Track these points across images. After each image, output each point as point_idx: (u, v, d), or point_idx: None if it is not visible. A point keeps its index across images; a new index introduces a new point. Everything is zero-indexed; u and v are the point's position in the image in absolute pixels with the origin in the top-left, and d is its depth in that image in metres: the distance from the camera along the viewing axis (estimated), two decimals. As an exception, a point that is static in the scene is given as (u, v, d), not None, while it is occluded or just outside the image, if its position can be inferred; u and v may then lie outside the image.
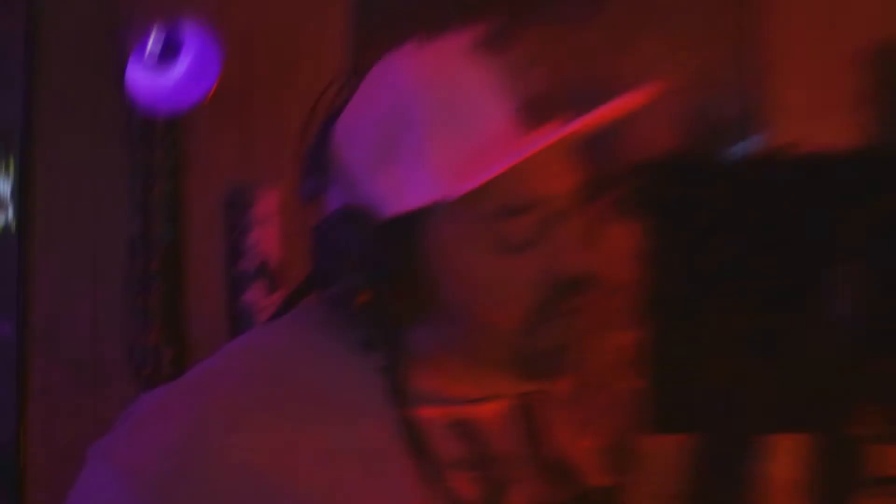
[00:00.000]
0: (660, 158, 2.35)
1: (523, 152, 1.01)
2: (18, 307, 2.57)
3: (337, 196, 1.10)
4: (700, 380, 1.49)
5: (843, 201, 1.50)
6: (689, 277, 1.64)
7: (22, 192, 2.57)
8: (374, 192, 1.07)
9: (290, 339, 1.16)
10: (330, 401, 1.10)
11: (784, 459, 1.46)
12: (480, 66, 1.05)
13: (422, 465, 1.07)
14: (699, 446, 1.46)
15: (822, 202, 1.54)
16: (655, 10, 2.63)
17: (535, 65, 1.08)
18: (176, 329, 2.59)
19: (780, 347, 1.47)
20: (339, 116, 1.11)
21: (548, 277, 1.05)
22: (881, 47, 2.66)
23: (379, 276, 1.05)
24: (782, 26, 2.67)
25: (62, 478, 2.30)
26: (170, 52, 2.38)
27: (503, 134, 1.04)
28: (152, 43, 2.35)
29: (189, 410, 1.05)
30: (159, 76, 2.39)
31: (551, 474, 1.18)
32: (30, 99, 2.58)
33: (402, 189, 1.06)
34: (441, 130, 1.05)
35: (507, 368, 1.11)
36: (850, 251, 1.42)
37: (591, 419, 1.32)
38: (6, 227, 2.57)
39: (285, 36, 2.67)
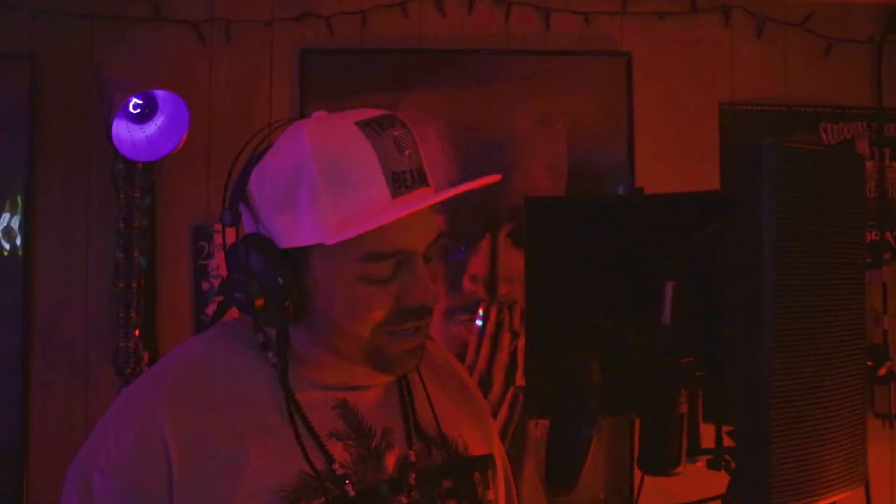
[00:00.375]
0: (544, 198, 2.60)
1: (388, 217, 1.16)
2: (23, 318, 2.80)
3: (249, 224, 1.26)
4: (558, 375, 1.57)
5: (673, 233, 1.58)
6: (559, 295, 1.76)
7: (27, 224, 2.81)
8: (274, 228, 1.23)
9: (211, 346, 1.36)
10: (237, 391, 1.29)
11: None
12: (365, 144, 1.19)
13: (304, 436, 1.25)
14: (553, 426, 1.60)
15: (661, 234, 1.65)
16: (550, 73, 2.96)
17: (405, 147, 1.23)
18: (152, 336, 2.86)
19: (623, 347, 1.59)
20: (257, 164, 1.25)
21: (395, 304, 1.24)
22: (724, 106, 3.08)
23: (271, 288, 1.22)
24: (646, 91, 3.04)
25: (57, 453, 2.61)
26: (147, 113, 2.65)
27: (375, 199, 1.19)
28: (133, 105, 2.61)
29: (139, 404, 1.28)
30: (138, 132, 2.64)
31: (422, 444, 1.36)
32: (33, 149, 2.80)
33: (295, 230, 1.21)
34: (328, 190, 1.18)
35: (365, 364, 1.28)
36: (673, 273, 1.49)
37: (461, 400, 1.51)
38: (14, 252, 2.80)
39: (240, 100, 2.94)
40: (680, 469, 1.52)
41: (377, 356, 1.26)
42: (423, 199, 1.19)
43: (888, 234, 3.10)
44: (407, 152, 1.21)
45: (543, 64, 2.97)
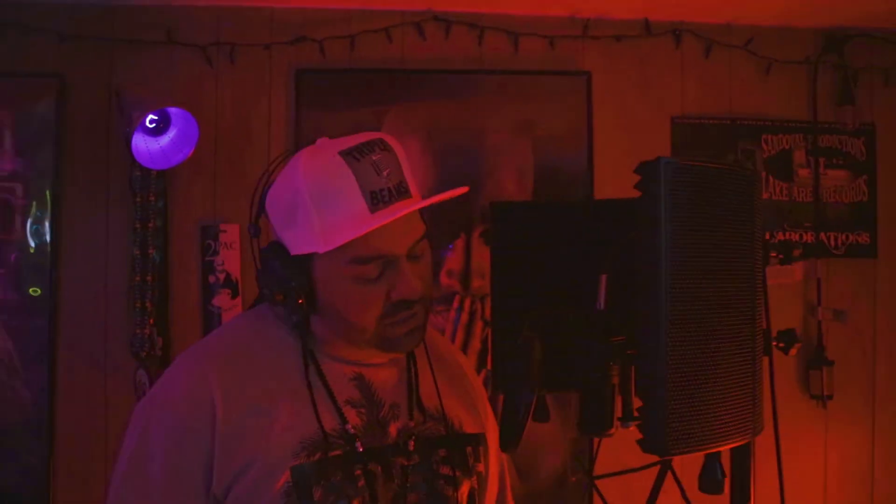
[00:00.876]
0: (507, 202, 2.60)
1: (365, 228, 1.30)
2: (50, 307, 2.93)
3: (270, 234, 1.42)
4: (513, 356, 1.64)
5: (615, 233, 1.64)
6: (520, 287, 1.79)
7: (54, 224, 2.95)
8: (285, 239, 1.39)
9: (253, 324, 1.49)
10: (271, 360, 1.43)
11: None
12: (345, 169, 1.32)
13: (324, 400, 1.39)
14: (504, 396, 1.63)
15: (605, 234, 1.69)
16: (518, 91, 3.13)
17: (383, 168, 1.33)
18: (164, 324, 2.97)
19: (565, 329, 1.64)
20: (269, 188, 1.41)
21: (386, 298, 1.37)
22: (675, 119, 3.24)
23: (287, 287, 1.37)
24: (604, 106, 3.20)
25: (81, 427, 2.87)
26: (162, 127, 2.81)
27: (356, 215, 1.31)
28: (149, 121, 2.77)
29: (193, 364, 1.45)
30: (154, 144, 2.80)
31: (423, 417, 1.48)
32: (60, 157, 2.94)
33: (296, 241, 1.37)
34: (316, 209, 1.32)
35: (372, 347, 1.41)
36: (607, 266, 1.59)
37: (460, 386, 1.63)
38: (39, 249, 2.93)
39: (242, 115, 3.07)
40: (612, 431, 1.63)
41: (382, 341, 1.40)
42: (398, 211, 1.32)
43: (822, 234, 3.28)
44: (385, 172, 1.34)
45: (512, 82, 3.14)
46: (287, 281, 1.37)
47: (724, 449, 1.65)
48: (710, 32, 3.26)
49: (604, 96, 3.22)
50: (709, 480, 1.68)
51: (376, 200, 1.31)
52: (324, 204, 1.31)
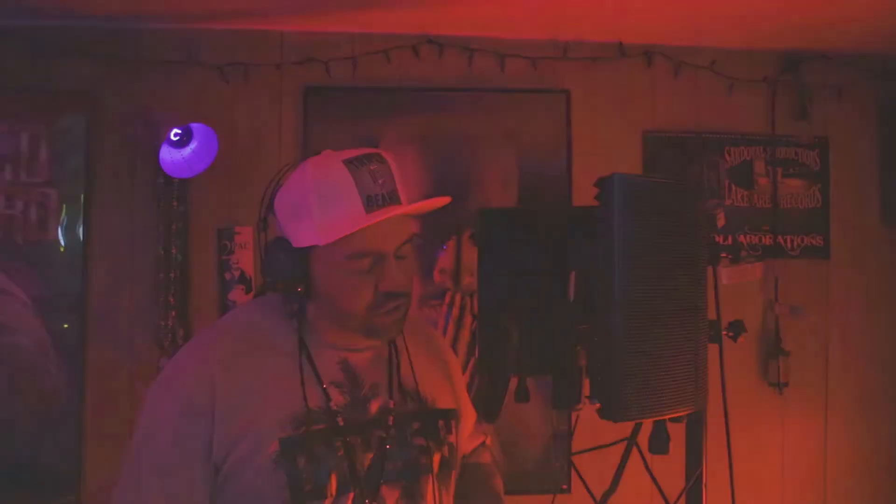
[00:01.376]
0: (496, 209, 2.89)
1: (360, 225, 1.42)
2: (81, 302, 3.08)
3: (275, 231, 1.53)
4: (494, 341, 1.78)
5: (582, 234, 1.76)
6: (504, 284, 1.88)
7: (85, 226, 3.10)
8: (289, 234, 1.49)
9: (255, 312, 1.60)
10: (268, 344, 1.52)
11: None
12: (346, 175, 1.44)
13: (312, 381, 1.50)
14: (489, 377, 1.81)
15: (576, 235, 1.80)
16: (504, 106, 3.27)
17: (379, 177, 1.44)
18: (185, 316, 3.12)
19: (539, 317, 1.77)
20: (279, 189, 1.52)
21: (375, 290, 1.48)
22: (646, 133, 3.39)
23: (289, 277, 1.49)
24: (582, 121, 3.35)
25: (109, 411, 3.07)
26: (185, 140, 2.99)
27: (353, 214, 1.43)
28: (174, 134, 2.96)
29: (198, 349, 1.56)
30: (177, 155, 3.00)
31: (401, 395, 1.59)
32: (91, 165, 3.11)
33: (300, 235, 1.47)
34: (319, 207, 1.43)
35: (360, 333, 1.52)
36: (577, 262, 1.72)
37: (436, 364, 1.73)
38: (70, 248, 3.07)
39: (256, 128, 3.23)
40: (580, 406, 1.82)
41: (368, 329, 1.52)
42: (388, 213, 1.44)
43: (780, 237, 3.49)
44: (380, 181, 1.46)
45: (499, 98, 3.31)
46: (289, 270, 1.48)
47: (669, 417, 1.83)
48: (678, 54, 3.41)
49: (581, 112, 3.37)
50: (656, 442, 1.90)
51: (371, 203, 1.44)
52: (326, 203, 1.43)
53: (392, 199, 1.47)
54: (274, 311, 1.57)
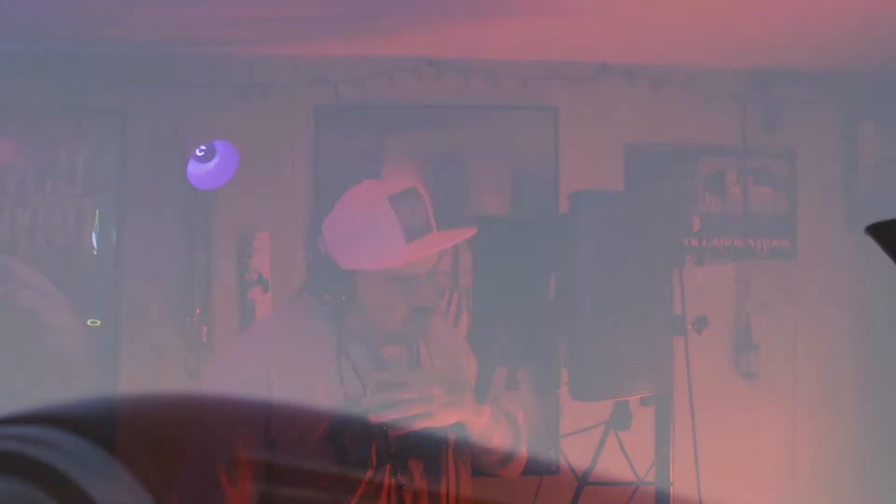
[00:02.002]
0: (490, 217, 3.12)
1: (404, 260, 1.64)
2: (113, 301, 3.30)
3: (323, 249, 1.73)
4: (483, 334, 1.95)
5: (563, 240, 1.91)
6: (496, 283, 1.94)
7: (118, 231, 3.34)
8: (337, 256, 1.69)
9: (300, 308, 1.80)
10: (312, 340, 1.72)
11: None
12: (390, 210, 1.63)
13: (349, 372, 1.70)
14: (478, 367, 1.97)
15: (565, 242, 1.93)
16: (498, 122, 3.51)
17: (417, 211, 1.63)
18: (209, 314, 3.37)
19: (526, 314, 1.90)
20: (328, 216, 1.71)
21: (408, 304, 1.70)
22: (627, 146, 3.63)
23: (335, 289, 1.70)
24: (569, 135, 3.58)
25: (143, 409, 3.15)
26: (208, 155, 3.24)
27: (397, 248, 1.64)
28: (199, 150, 3.19)
29: (254, 333, 1.92)
30: (202, 168, 3.23)
31: (424, 382, 1.74)
32: (123, 177, 3.35)
33: (349, 261, 1.68)
34: (365, 238, 1.64)
35: (392, 338, 1.73)
36: (556, 264, 1.85)
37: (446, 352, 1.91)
38: (102, 251, 3.31)
39: (272, 143, 3.45)
40: (558, 391, 2.01)
41: (401, 336, 1.74)
42: (427, 246, 1.65)
43: (750, 240, 3.74)
44: (418, 214, 1.67)
45: (493, 115, 3.53)
46: (336, 286, 1.69)
47: (632, 398, 2.05)
48: (656, 72, 3.59)
49: (568, 127, 3.59)
50: (619, 419, 2.15)
51: (411, 234, 1.65)
52: (374, 237, 1.64)
53: (426, 228, 1.68)
54: (317, 308, 1.76)
